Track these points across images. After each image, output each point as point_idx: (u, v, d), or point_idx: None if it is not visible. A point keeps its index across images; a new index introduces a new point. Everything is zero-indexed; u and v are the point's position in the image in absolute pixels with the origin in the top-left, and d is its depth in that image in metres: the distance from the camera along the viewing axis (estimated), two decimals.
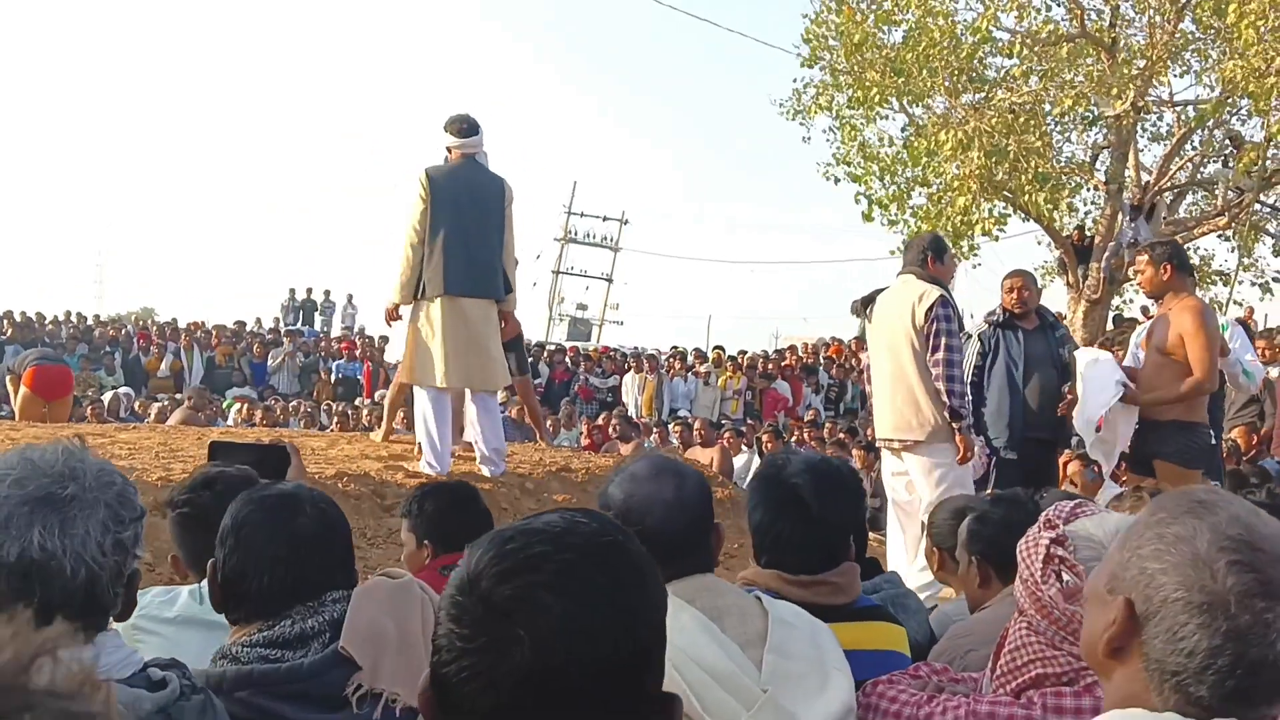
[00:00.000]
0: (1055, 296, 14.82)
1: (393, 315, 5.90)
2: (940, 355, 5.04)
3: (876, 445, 6.06)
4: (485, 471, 5.86)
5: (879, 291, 5.51)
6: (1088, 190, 14.96)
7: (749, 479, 9.56)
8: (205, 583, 1.91)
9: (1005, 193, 13.63)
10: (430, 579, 2.63)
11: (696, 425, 10.69)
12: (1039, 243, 15.54)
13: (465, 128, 5.72)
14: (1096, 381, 5.37)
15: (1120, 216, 14.08)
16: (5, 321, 15.97)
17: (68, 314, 18.39)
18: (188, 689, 1.41)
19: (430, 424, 5.77)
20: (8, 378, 9.77)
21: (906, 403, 5.17)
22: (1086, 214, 15.29)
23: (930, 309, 5.05)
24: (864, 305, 5.59)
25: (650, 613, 1.05)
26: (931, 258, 5.28)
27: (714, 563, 1.85)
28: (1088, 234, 14.73)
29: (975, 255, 14.16)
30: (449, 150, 5.77)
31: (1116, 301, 15.17)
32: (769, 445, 10.57)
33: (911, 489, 5.36)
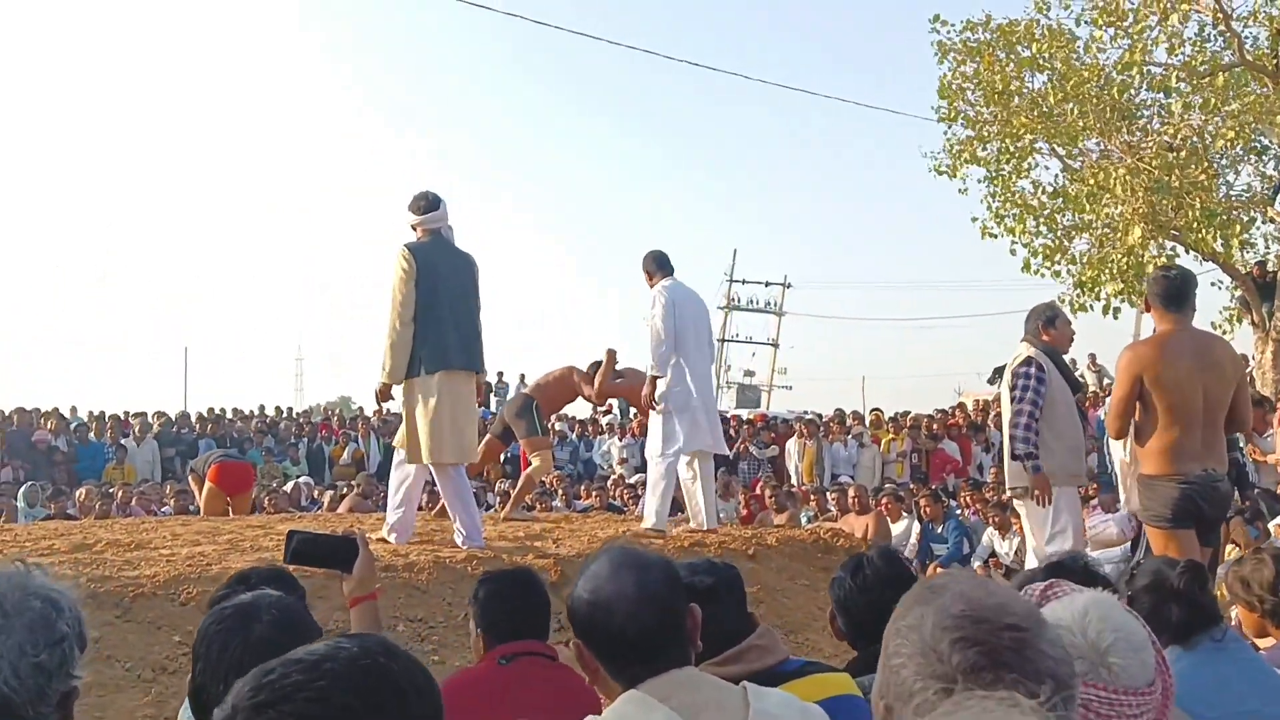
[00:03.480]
0: (1242, 339, 13.93)
1: (385, 395, 5.79)
2: (1011, 407, 5.47)
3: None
4: (465, 545, 5.74)
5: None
6: (1265, 224, 14.03)
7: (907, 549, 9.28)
8: None
9: (1173, 231, 12.98)
10: (488, 669, 2.68)
11: (852, 492, 10.47)
12: (1216, 286, 14.59)
13: (426, 204, 5.79)
14: None
15: None
16: (195, 419, 17.14)
17: (261, 409, 19.59)
18: None
19: (407, 497, 5.84)
20: (191, 476, 10.55)
21: (1011, 456, 5.59)
22: (1268, 249, 14.33)
23: (1017, 369, 5.50)
24: (997, 374, 6.04)
25: None
26: (1043, 327, 5.66)
27: (693, 651, 1.80)
28: (1269, 269, 13.81)
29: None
30: (414, 228, 5.81)
31: None
32: (927, 510, 10.25)
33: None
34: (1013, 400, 5.46)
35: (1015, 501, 5.97)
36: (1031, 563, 5.62)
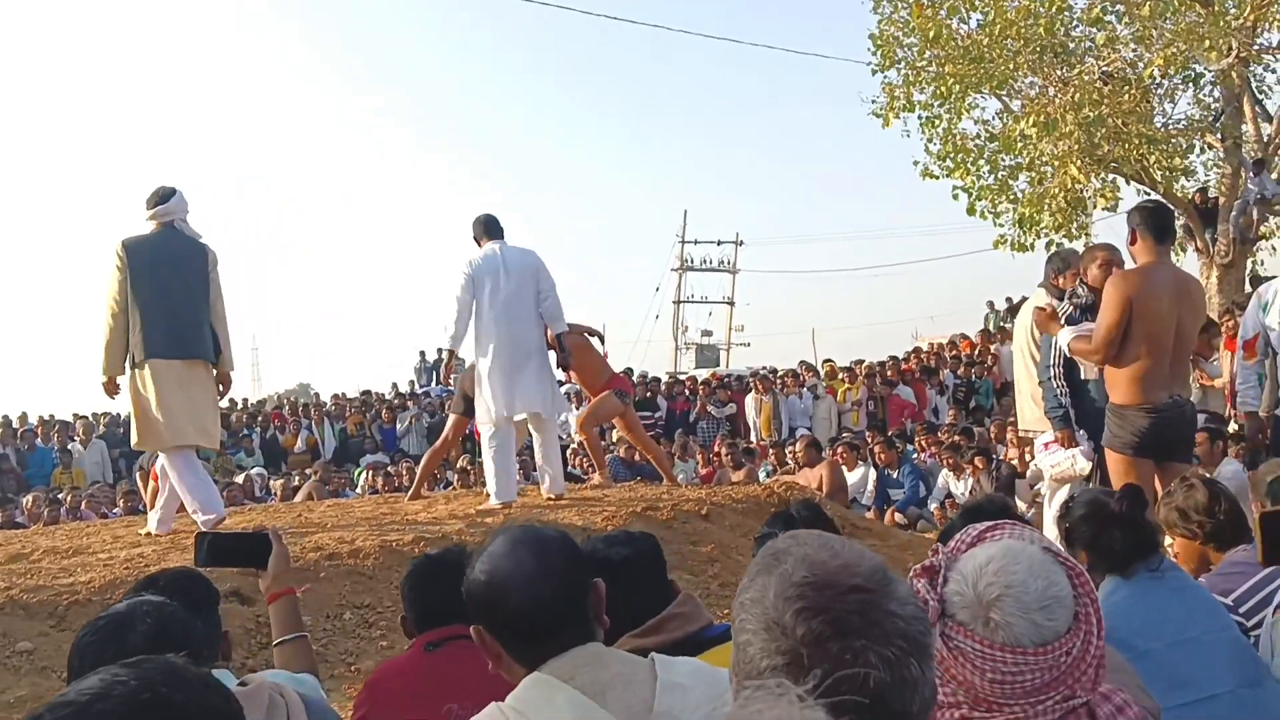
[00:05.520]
0: (1187, 265, 14.05)
1: (112, 389, 5.95)
2: (1042, 365, 5.56)
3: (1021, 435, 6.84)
4: (201, 521, 5.77)
5: (1025, 300, 6.21)
6: (1204, 150, 14.13)
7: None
8: None
9: (1111, 163, 13.03)
10: (414, 657, 2.60)
11: (800, 445, 10.45)
12: None
13: (157, 199, 5.92)
14: None
15: (1243, 173, 13.31)
16: None
17: None
18: None
19: (185, 482, 5.83)
20: (139, 475, 10.32)
21: (1030, 399, 5.82)
22: (1208, 177, 14.44)
23: None
24: (1010, 313, 6.16)
25: None
26: (1053, 274, 5.77)
27: (598, 626, 1.73)
28: (1210, 195, 13.93)
29: (1086, 234, 13.50)
30: (148, 221, 5.93)
31: (1249, 263, 14.25)
32: (882, 456, 10.28)
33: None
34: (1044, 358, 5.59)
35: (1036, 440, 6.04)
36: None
